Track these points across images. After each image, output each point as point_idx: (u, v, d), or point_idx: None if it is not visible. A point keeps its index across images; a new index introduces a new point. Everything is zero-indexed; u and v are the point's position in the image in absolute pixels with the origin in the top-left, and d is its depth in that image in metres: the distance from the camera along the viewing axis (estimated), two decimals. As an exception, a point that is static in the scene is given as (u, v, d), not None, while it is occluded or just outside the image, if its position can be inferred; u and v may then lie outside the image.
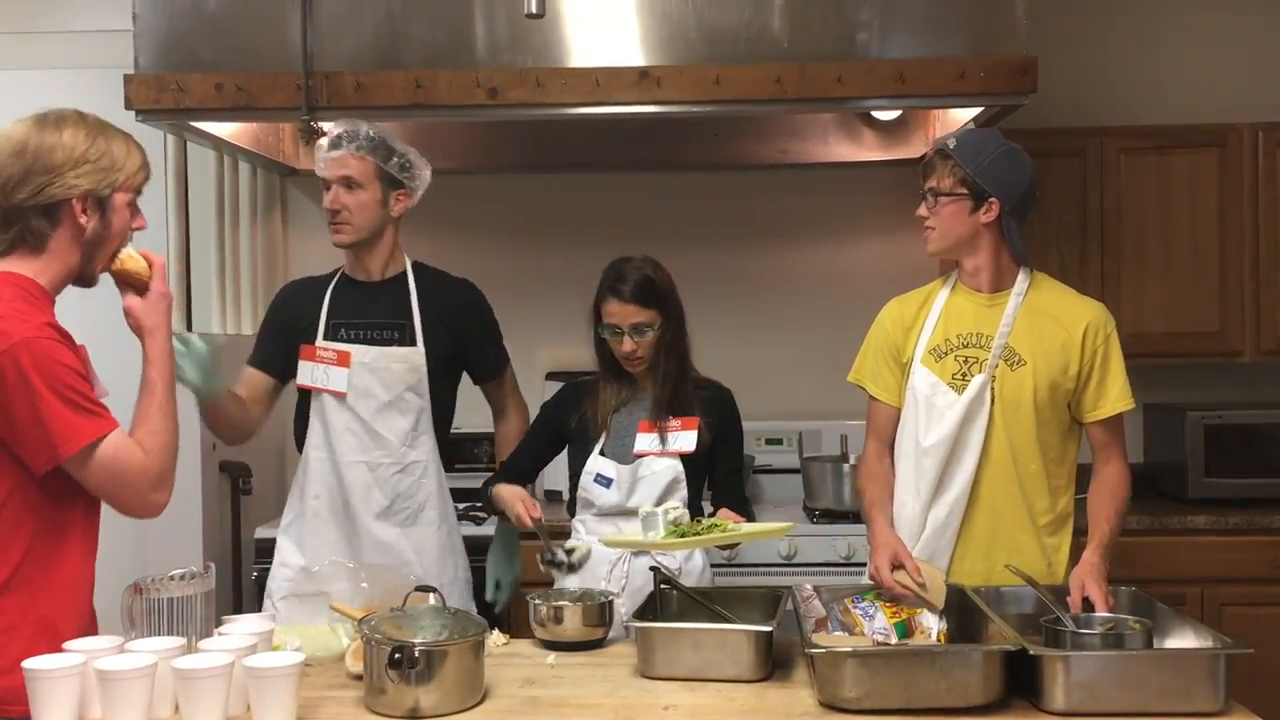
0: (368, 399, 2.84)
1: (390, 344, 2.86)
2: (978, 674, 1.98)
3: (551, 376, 4.14)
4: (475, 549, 3.74)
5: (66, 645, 1.97)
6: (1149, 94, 4.23)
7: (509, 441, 3.06)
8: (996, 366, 2.51)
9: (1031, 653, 1.99)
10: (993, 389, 2.51)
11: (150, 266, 2.14)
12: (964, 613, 2.31)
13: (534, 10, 2.47)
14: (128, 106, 3.37)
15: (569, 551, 2.76)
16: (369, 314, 2.88)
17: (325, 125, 3.80)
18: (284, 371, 2.94)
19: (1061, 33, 4.17)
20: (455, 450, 4.12)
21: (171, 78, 3.35)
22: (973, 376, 2.51)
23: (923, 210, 2.55)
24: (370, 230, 2.85)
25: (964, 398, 2.50)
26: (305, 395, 2.93)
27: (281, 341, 2.93)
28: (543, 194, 4.40)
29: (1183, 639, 2.16)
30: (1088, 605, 2.27)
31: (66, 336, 2.01)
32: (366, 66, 3.37)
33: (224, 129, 3.71)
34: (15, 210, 2.01)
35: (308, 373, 2.87)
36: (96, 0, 4.11)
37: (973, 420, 2.50)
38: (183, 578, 2.17)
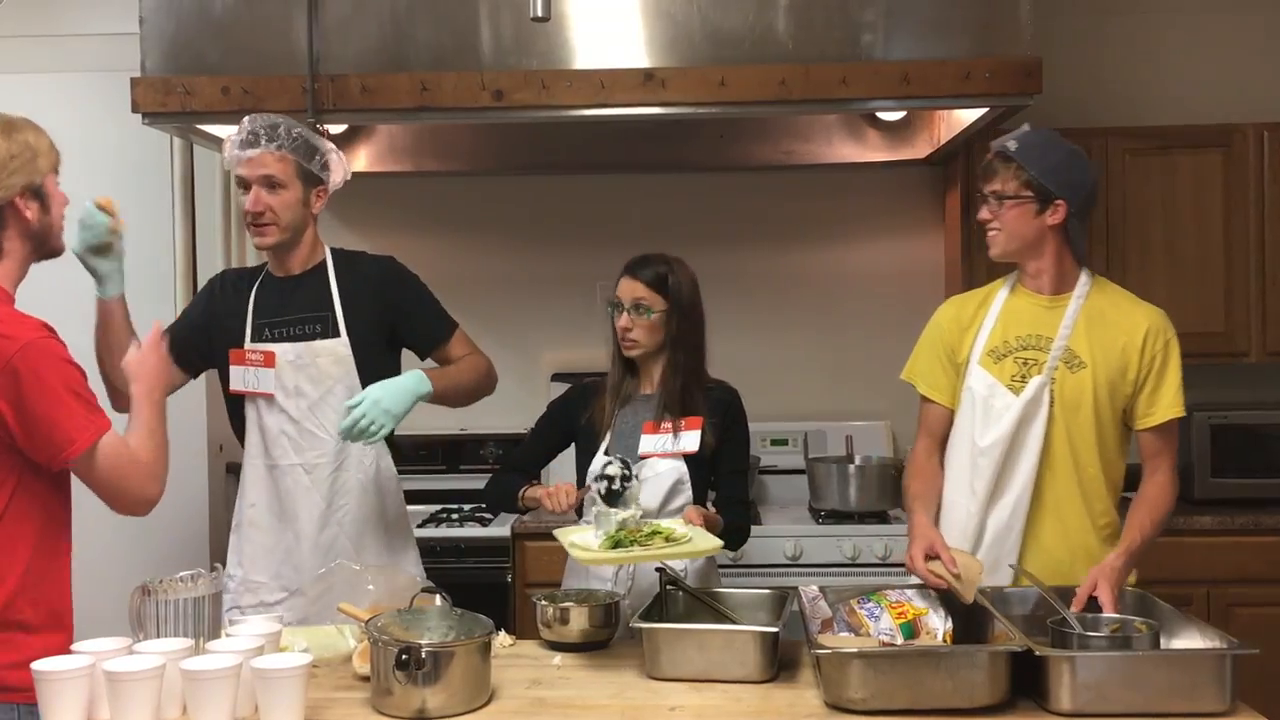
0: (298, 398, 2.73)
1: (313, 338, 2.74)
2: (984, 675, 1.98)
3: (557, 378, 4.15)
4: (474, 550, 3.77)
5: (74, 647, 1.98)
6: (1154, 95, 4.23)
7: (459, 364, 2.85)
8: (1055, 368, 2.50)
9: (1038, 654, 1.98)
10: (1052, 391, 2.49)
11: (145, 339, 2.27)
12: (970, 613, 2.31)
13: (539, 13, 2.45)
14: (134, 109, 3.39)
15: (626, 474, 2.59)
16: (290, 309, 2.76)
17: (331, 128, 3.81)
18: (195, 366, 2.82)
19: (1066, 34, 4.17)
20: (458, 451, 4.15)
21: (178, 80, 3.36)
22: (1031, 378, 2.51)
23: (985, 214, 2.53)
24: (294, 230, 2.74)
25: (1021, 399, 2.49)
26: (239, 402, 2.79)
27: (202, 335, 2.80)
28: (548, 196, 4.41)
29: (1189, 640, 2.15)
30: (1092, 605, 2.27)
31: (55, 333, 2.06)
32: (372, 69, 3.38)
33: (230, 132, 3.71)
34: None
35: (239, 377, 2.75)
36: (103, 4, 4.13)
37: (1030, 422, 2.49)
38: (191, 579, 2.18)
